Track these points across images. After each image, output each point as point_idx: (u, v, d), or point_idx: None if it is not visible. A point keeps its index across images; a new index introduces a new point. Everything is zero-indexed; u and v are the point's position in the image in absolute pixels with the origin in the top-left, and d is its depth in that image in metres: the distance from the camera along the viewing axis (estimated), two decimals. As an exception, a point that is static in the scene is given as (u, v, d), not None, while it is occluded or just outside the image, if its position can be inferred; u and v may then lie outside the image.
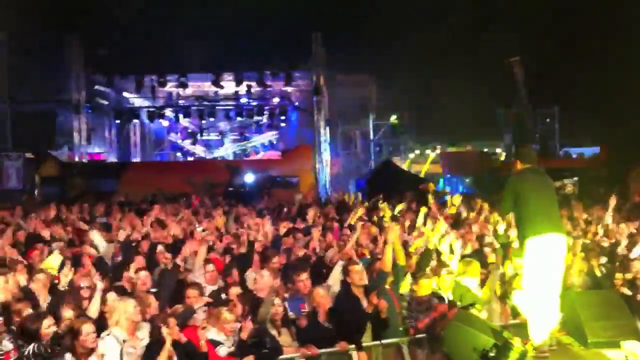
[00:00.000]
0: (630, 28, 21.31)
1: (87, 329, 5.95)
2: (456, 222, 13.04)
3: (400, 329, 7.77)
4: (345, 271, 8.00)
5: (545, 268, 6.86)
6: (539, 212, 6.85)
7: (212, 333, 6.62)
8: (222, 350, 6.46)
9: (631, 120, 23.91)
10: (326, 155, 30.84)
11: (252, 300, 7.41)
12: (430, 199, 15.48)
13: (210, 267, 8.57)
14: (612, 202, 12.94)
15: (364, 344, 7.44)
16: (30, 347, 5.59)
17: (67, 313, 6.40)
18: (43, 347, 5.55)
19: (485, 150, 38.21)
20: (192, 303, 7.18)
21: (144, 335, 6.47)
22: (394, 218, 13.07)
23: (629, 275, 9.51)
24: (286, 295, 8.03)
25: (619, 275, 9.59)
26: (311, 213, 13.83)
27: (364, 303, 7.66)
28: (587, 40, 23.35)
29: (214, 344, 6.48)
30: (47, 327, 5.91)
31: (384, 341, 7.56)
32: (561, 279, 6.98)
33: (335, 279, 8.37)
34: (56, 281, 7.92)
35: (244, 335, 6.59)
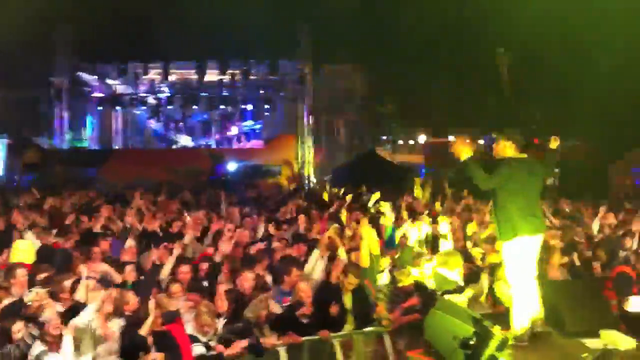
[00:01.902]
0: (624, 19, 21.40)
1: (49, 314, 5.93)
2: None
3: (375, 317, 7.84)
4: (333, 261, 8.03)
5: (522, 265, 6.94)
6: (521, 213, 6.84)
7: (190, 329, 6.62)
8: (197, 349, 6.41)
9: (614, 113, 24.10)
10: (309, 144, 30.80)
11: (237, 298, 7.39)
12: (417, 191, 15.58)
13: (185, 268, 8.28)
14: (602, 210, 12.89)
15: (345, 333, 7.49)
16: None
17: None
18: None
19: (467, 141, 38.28)
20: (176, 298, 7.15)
21: (116, 328, 6.44)
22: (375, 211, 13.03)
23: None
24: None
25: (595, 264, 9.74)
26: (290, 206, 13.80)
27: (347, 297, 7.71)
28: (576, 32, 23.44)
29: (192, 339, 6.45)
30: (17, 331, 5.90)
31: (365, 329, 7.62)
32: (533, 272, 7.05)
33: (311, 267, 8.38)
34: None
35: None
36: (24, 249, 8.75)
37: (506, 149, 7.10)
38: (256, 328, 7.02)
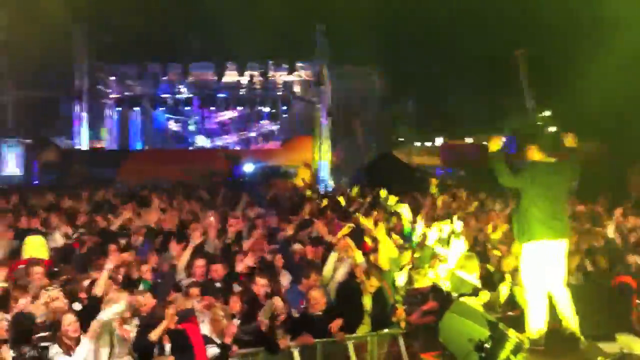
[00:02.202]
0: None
1: (69, 319, 5.96)
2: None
3: (394, 320, 7.82)
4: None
5: (540, 269, 6.94)
6: (544, 217, 6.85)
7: (205, 330, 6.64)
8: (211, 351, 6.43)
9: (633, 116, 23.84)
10: (327, 146, 30.80)
11: (251, 300, 7.41)
12: (434, 189, 15.49)
13: (201, 262, 8.35)
14: (618, 213, 12.73)
15: (359, 335, 7.49)
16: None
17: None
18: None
19: (485, 143, 38.11)
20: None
21: (131, 328, 6.47)
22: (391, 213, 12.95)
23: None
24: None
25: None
26: (307, 208, 13.76)
27: (367, 299, 7.69)
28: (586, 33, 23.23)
29: (206, 340, 6.47)
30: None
31: (380, 332, 7.61)
32: (561, 278, 6.99)
33: (329, 270, 8.36)
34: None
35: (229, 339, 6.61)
36: (36, 244, 8.82)
37: (534, 152, 7.10)
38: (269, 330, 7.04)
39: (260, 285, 7.71)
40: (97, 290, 6.74)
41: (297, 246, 9.97)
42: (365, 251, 9.04)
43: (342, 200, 14.75)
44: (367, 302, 7.79)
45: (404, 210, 11.11)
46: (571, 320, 6.94)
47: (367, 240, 9.69)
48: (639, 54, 21.19)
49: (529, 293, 7.10)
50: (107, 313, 6.06)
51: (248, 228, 11.08)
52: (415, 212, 12.42)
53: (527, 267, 7.01)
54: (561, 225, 6.99)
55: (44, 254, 8.65)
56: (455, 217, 9.80)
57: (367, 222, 9.68)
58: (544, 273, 6.96)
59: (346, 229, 9.59)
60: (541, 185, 6.91)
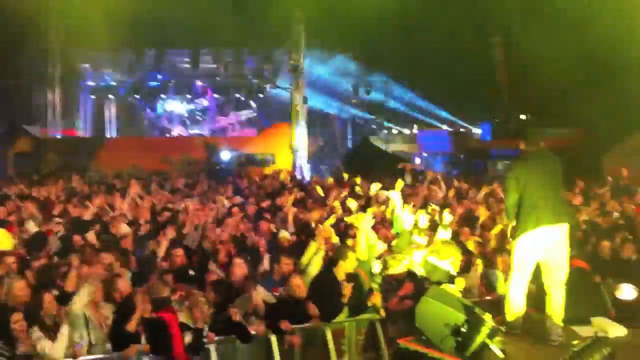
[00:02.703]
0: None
1: (48, 297, 5.94)
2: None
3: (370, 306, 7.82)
4: (342, 255, 8.00)
5: (528, 260, 7.02)
6: (536, 206, 6.91)
7: (183, 316, 6.59)
8: (187, 337, 6.38)
9: (609, 103, 24.08)
10: (303, 133, 30.71)
11: (225, 289, 7.38)
12: (408, 178, 15.50)
13: (179, 251, 8.43)
14: (606, 195, 12.90)
15: (337, 321, 7.49)
16: None
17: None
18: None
19: (462, 130, 38.30)
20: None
21: (108, 314, 6.41)
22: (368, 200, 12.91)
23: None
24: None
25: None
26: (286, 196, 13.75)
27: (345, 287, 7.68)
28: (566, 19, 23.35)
29: (183, 327, 6.42)
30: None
31: (357, 317, 7.62)
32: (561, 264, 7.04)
33: (308, 258, 8.33)
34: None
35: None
36: None
37: (521, 145, 7.30)
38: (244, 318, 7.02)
39: (238, 265, 7.73)
40: (69, 286, 6.69)
41: (282, 234, 10.03)
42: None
43: (319, 189, 14.72)
44: (348, 291, 7.74)
45: (394, 195, 10.96)
46: (558, 309, 6.98)
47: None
48: (612, 41, 21.40)
49: (515, 278, 7.14)
50: (75, 304, 6.03)
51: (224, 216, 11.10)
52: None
53: (520, 251, 7.05)
54: (560, 210, 7.05)
55: (6, 245, 8.57)
56: (445, 210, 9.79)
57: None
58: (532, 261, 7.00)
59: (332, 218, 9.64)
60: (534, 176, 7.01)
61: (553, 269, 7.00)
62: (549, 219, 6.89)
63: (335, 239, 8.89)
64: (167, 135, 36.07)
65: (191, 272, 8.12)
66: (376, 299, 7.67)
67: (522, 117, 31.31)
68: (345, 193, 13.58)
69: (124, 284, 6.78)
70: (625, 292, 7.83)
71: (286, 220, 11.00)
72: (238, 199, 13.82)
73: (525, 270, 7.04)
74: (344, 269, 7.82)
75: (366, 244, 8.46)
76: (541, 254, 6.95)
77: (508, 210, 7.14)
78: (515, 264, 7.14)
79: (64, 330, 5.94)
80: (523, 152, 7.25)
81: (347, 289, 7.50)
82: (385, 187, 13.17)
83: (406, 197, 12.41)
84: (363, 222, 8.60)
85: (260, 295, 7.48)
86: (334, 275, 7.78)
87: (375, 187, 12.70)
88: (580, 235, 10.32)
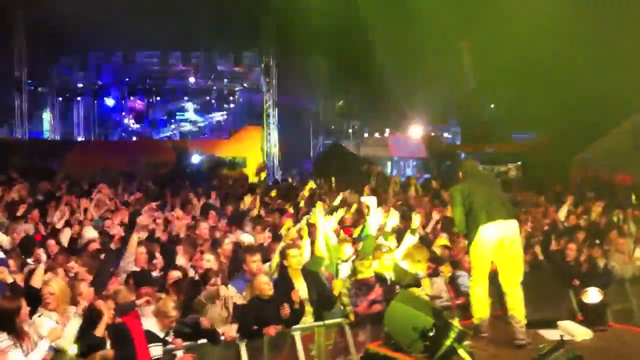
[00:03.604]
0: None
1: (24, 305, 5.78)
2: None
3: (338, 309, 7.80)
4: (283, 254, 7.96)
5: (485, 257, 7.10)
6: (484, 205, 7.06)
7: (151, 324, 6.44)
8: (155, 350, 6.22)
9: (575, 108, 24.45)
10: (274, 136, 30.67)
11: (187, 289, 7.30)
12: (372, 180, 15.53)
13: (142, 249, 8.37)
14: (569, 200, 13.10)
15: (306, 325, 7.45)
16: None
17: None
18: None
19: (433, 134, 38.58)
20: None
21: (72, 315, 6.29)
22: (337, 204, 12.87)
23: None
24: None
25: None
26: (248, 199, 13.73)
27: (301, 286, 7.64)
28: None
29: (149, 337, 6.26)
30: None
31: (326, 322, 7.60)
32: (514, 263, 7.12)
33: (276, 261, 8.30)
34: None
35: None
36: None
37: (460, 176, 7.68)
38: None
39: (206, 260, 7.79)
40: (36, 282, 6.58)
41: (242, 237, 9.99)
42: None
43: (274, 193, 14.75)
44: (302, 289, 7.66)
45: (370, 201, 10.83)
46: (519, 308, 7.05)
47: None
48: (583, 46, 21.75)
49: (473, 280, 7.24)
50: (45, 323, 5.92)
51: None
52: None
53: (474, 252, 7.14)
54: (505, 208, 7.17)
55: None
56: (415, 214, 9.80)
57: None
58: (489, 259, 7.09)
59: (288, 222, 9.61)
60: (473, 187, 7.26)
61: (509, 268, 7.08)
62: (500, 215, 7.03)
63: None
64: (136, 137, 35.74)
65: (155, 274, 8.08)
66: (346, 304, 7.66)
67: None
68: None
69: (87, 290, 6.66)
70: (591, 295, 7.93)
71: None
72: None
73: (484, 268, 7.13)
74: (292, 268, 7.77)
75: (326, 243, 8.41)
76: (495, 248, 7.02)
77: (457, 221, 7.33)
78: (473, 264, 7.24)
79: (43, 345, 5.70)
80: (461, 180, 7.60)
81: (295, 294, 7.38)
82: (358, 192, 13.20)
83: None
84: (318, 217, 8.56)
85: (229, 292, 7.41)
86: (288, 278, 7.74)
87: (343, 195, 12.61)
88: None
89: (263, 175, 13.81)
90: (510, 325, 7.04)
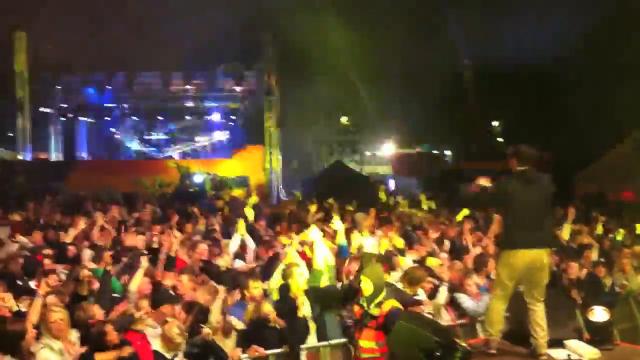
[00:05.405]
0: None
1: (30, 329, 5.74)
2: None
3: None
4: (287, 274, 7.91)
5: (505, 276, 7.01)
6: (516, 226, 6.91)
7: (158, 345, 6.40)
8: None
9: (576, 124, 24.48)
10: (277, 155, 30.70)
11: (197, 311, 7.26)
12: (383, 196, 15.49)
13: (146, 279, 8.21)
14: (571, 215, 12.96)
15: (312, 345, 7.41)
16: None
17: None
18: None
19: (435, 152, 38.63)
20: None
21: (75, 340, 6.24)
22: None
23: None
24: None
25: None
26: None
27: (304, 306, 7.60)
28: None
29: (157, 357, 6.23)
30: None
31: (331, 342, 7.55)
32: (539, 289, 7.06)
33: (276, 281, 8.24)
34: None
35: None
36: None
37: (512, 163, 7.12)
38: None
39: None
40: (33, 318, 6.46)
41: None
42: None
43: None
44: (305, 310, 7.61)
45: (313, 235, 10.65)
46: (542, 333, 6.99)
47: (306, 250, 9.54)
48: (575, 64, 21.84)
49: (496, 296, 7.15)
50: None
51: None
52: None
53: (502, 271, 7.06)
54: (542, 234, 7.04)
55: None
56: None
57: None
58: (515, 281, 7.02)
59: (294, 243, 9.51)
60: (518, 195, 6.92)
61: (534, 288, 7.03)
62: (533, 238, 6.87)
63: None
64: (139, 157, 35.80)
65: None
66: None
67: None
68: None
69: (98, 310, 6.62)
70: (598, 314, 7.87)
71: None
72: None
73: (508, 288, 7.04)
74: (295, 287, 7.72)
75: (322, 256, 8.35)
76: (523, 272, 6.95)
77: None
78: (498, 281, 7.15)
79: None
80: (512, 172, 7.11)
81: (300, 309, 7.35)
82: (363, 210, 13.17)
83: (380, 221, 12.45)
84: (311, 233, 8.53)
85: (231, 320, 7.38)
86: (290, 297, 7.70)
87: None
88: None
89: (253, 199, 13.64)
90: (533, 338, 6.98)
